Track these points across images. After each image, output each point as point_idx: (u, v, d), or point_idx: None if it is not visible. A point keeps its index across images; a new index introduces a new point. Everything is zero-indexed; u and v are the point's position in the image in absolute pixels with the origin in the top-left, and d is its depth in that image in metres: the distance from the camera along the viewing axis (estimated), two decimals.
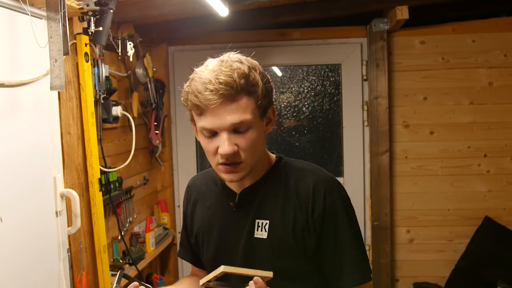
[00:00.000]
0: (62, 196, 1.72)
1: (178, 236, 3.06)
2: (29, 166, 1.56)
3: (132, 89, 2.47)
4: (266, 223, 1.14)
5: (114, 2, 1.76)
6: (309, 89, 3.00)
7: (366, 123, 2.91)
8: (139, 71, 2.49)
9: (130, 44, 2.23)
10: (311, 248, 1.12)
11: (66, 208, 1.76)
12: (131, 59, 2.29)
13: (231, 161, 1.07)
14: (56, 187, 1.69)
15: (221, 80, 1.01)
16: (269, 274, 1.02)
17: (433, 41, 2.83)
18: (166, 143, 2.94)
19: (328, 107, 3.01)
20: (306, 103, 3.01)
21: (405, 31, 2.81)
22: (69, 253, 1.76)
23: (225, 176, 1.11)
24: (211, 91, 1.01)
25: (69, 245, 1.78)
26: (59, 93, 1.73)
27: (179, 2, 2.10)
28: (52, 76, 1.44)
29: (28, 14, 1.43)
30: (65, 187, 1.75)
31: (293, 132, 3.05)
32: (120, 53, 2.21)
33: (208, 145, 1.08)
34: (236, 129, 1.05)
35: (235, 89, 1.02)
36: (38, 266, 1.59)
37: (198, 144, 3.03)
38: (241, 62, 1.07)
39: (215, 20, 2.40)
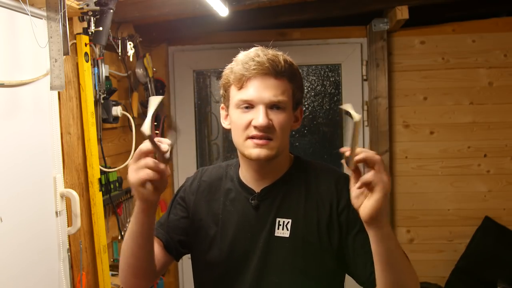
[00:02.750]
0: (62, 196, 1.72)
1: None
2: (29, 166, 1.56)
3: (132, 89, 2.47)
4: (288, 222, 1.15)
5: (114, 2, 1.76)
6: (309, 89, 3.00)
7: (366, 123, 2.91)
8: (139, 71, 2.49)
9: (130, 44, 2.23)
10: (335, 244, 1.13)
11: (66, 208, 1.76)
12: (131, 59, 2.29)
13: (263, 134, 1.10)
14: (56, 187, 1.69)
15: (268, 56, 1.11)
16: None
17: (433, 41, 2.83)
18: None
19: (328, 107, 3.01)
20: (306, 103, 3.01)
21: (405, 31, 2.81)
22: (69, 253, 1.76)
23: (253, 152, 1.11)
24: (258, 62, 1.10)
25: (69, 245, 1.78)
26: (59, 93, 1.73)
27: (179, 2, 2.10)
28: (52, 76, 1.44)
29: (28, 14, 1.43)
30: (65, 187, 1.75)
31: (293, 132, 3.05)
32: (120, 53, 2.21)
33: (241, 118, 1.12)
34: (273, 106, 1.10)
35: (279, 68, 1.10)
36: (38, 266, 1.59)
37: (198, 144, 3.04)
38: (284, 56, 1.15)
39: (215, 20, 2.39)
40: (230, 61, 1.22)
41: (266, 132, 1.10)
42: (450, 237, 2.89)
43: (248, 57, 1.12)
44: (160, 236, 1.26)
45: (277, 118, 1.11)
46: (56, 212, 1.70)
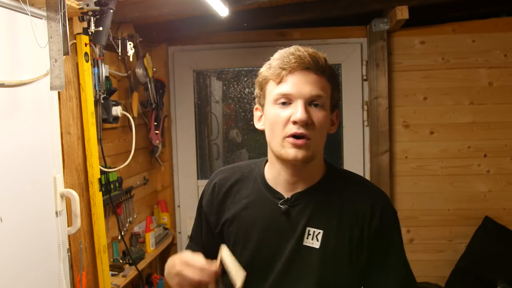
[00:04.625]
0: (62, 196, 1.72)
1: (178, 236, 3.06)
2: (29, 166, 1.56)
3: (132, 89, 2.47)
4: (319, 232, 1.12)
5: (114, 2, 1.76)
6: None
7: (366, 123, 2.91)
8: (139, 71, 2.49)
9: (130, 44, 2.23)
10: (362, 263, 1.13)
11: (66, 208, 1.76)
12: (131, 59, 2.29)
13: (303, 131, 1.06)
14: (56, 187, 1.69)
15: (309, 52, 1.09)
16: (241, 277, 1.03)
17: (433, 41, 2.83)
18: (166, 143, 2.94)
19: None
20: None
21: (405, 31, 2.81)
22: (69, 253, 1.76)
23: (291, 152, 1.08)
24: (299, 56, 1.08)
25: (69, 245, 1.78)
26: (59, 93, 1.73)
27: (179, 2, 2.10)
28: (52, 76, 1.44)
29: (28, 14, 1.43)
30: (65, 187, 1.75)
31: None
32: (120, 53, 2.21)
33: (280, 114, 1.09)
34: (312, 102, 1.08)
35: (320, 65, 1.09)
36: (38, 266, 1.59)
37: (198, 144, 3.04)
38: (321, 53, 1.14)
39: (215, 20, 2.39)
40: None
41: (305, 129, 1.06)
42: (450, 237, 2.89)
43: (288, 52, 1.10)
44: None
45: (317, 115, 1.08)
46: (56, 212, 1.70)
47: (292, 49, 1.10)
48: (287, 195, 1.15)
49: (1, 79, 1.40)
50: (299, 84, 1.07)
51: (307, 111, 1.06)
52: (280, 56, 1.10)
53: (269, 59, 1.15)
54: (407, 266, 1.17)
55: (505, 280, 2.58)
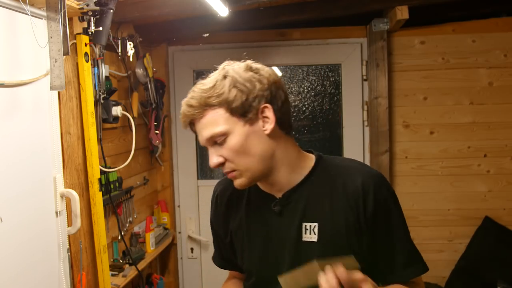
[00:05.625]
0: (62, 196, 1.72)
1: (178, 236, 3.06)
2: (29, 166, 1.56)
3: (132, 89, 2.47)
4: (315, 225, 1.12)
5: (114, 2, 1.76)
6: (309, 89, 3.00)
7: (366, 123, 2.91)
8: (139, 71, 2.49)
9: (130, 44, 2.23)
10: (364, 246, 1.11)
11: (66, 208, 1.76)
12: (131, 59, 2.29)
13: (226, 171, 1.11)
14: (56, 187, 1.69)
15: (188, 103, 1.09)
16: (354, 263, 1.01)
17: (433, 41, 2.83)
18: (166, 143, 2.94)
19: (328, 107, 3.01)
20: (306, 103, 3.01)
21: (405, 31, 2.81)
22: (69, 253, 1.76)
23: (235, 184, 1.13)
24: (182, 114, 1.10)
25: (69, 245, 1.78)
26: (59, 93, 1.73)
27: (179, 2, 2.10)
28: (52, 76, 1.44)
29: (28, 14, 1.43)
30: (65, 187, 1.75)
31: (293, 132, 3.04)
32: (120, 53, 2.20)
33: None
34: (215, 142, 1.09)
35: (198, 107, 1.07)
36: (38, 266, 1.59)
37: (198, 144, 3.03)
38: (221, 71, 1.10)
39: (215, 20, 2.39)
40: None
41: (226, 166, 1.09)
42: (450, 237, 2.89)
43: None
44: (229, 269, 1.37)
45: (225, 150, 1.08)
46: (56, 212, 1.70)
47: (183, 103, 1.11)
48: (278, 195, 1.16)
49: (1, 79, 1.40)
50: (199, 134, 1.11)
51: (217, 153, 1.09)
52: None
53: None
54: (410, 242, 1.17)
55: (505, 280, 2.58)
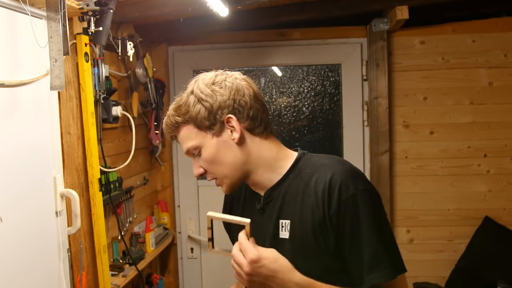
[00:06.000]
0: (62, 196, 1.72)
1: (178, 236, 3.06)
2: (29, 166, 1.56)
3: (132, 89, 2.47)
4: (288, 222, 1.14)
5: (114, 2, 1.76)
6: (309, 89, 3.00)
7: (366, 123, 2.91)
8: (139, 71, 2.49)
9: (130, 44, 2.23)
10: (332, 246, 1.09)
11: (66, 208, 1.76)
12: (131, 59, 2.29)
13: (209, 179, 1.21)
14: (56, 187, 1.69)
15: (165, 122, 1.21)
16: (247, 220, 1.08)
17: (433, 41, 2.83)
18: (166, 143, 2.94)
19: (328, 107, 3.01)
20: (306, 103, 3.01)
21: (405, 31, 2.81)
22: (69, 253, 1.76)
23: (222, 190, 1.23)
24: (164, 131, 1.23)
25: (69, 245, 1.78)
26: (59, 93, 1.73)
27: (179, 2, 2.10)
28: (52, 76, 1.44)
29: (28, 14, 1.43)
30: (65, 187, 1.75)
31: (293, 132, 3.05)
32: (120, 53, 2.21)
33: None
34: (193, 154, 1.18)
35: (172, 126, 1.18)
36: (38, 266, 1.59)
37: None
38: (189, 87, 1.19)
39: (215, 20, 2.39)
40: (230, 61, 1.23)
41: (208, 175, 1.20)
42: (450, 237, 2.89)
43: None
44: None
45: (202, 161, 1.18)
46: (56, 212, 1.70)
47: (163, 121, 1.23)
48: (262, 194, 1.21)
49: (1, 79, 1.40)
50: (181, 146, 1.21)
51: (197, 164, 1.20)
52: None
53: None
54: (382, 245, 1.08)
55: (505, 280, 2.58)
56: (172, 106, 1.19)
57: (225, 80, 1.16)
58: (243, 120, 1.15)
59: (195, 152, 1.17)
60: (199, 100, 1.14)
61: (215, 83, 1.16)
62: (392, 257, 1.09)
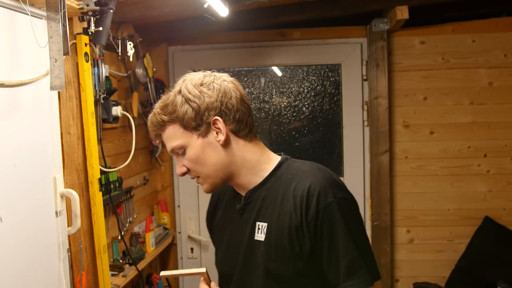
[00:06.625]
0: (62, 196, 1.72)
1: (178, 236, 3.07)
2: (29, 166, 1.56)
3: (132, 89, 2.47)
4: (265, 225, 1.16)
5: (114, 2, 1.76)
6: (309, 89, 3.00)
7: (366, 123, 2.91)
8: (139, 71, 2.49)
9: (130, 44, 2.23)
10: (307, 252, 1.11)
11: (66, 208, 1.76)
12: (131, 59, 2.29)
13: (191, 177, 1.21)
14: (56, 187, 1.69)
15: (150, 120, 1.20)
16: (202, 269, 1.13)
17: (433, 41, 2.83)
18: None
19: (328, 107, 3.01)
20: (306, 103, 3.01)
21: (405, 31, 2.81)
22: (69, 253, 1.76)
23: (202, 188, 1.24)
24: (148, 129, 1.23)
25: (69, 245, 1.78)
26: (59, 93, 1.73)
27: (179, 2, 2.10)
28: (52, 76, 1.44)
29: (28, 14, 1.43)
30: (65, 187, 1.75)
31: (293, 132, 3.05)
32: (120, 53, 2.20)
33: None
34: (177, 153, 1.18)
35: (157, 124, 1.18)
36: (38, 266, 1.59)
37: None
38: (177, 87, 1.18)
39: (215, 20, 2.39)
40: (230, 61, 1.24)
41: (191, 174, 1.20)
42: (450, 237, 2.89)
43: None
44: None
45: (186, 160, 1.18)
46: (56, 212, 1.70)
47: (148, 119, 1.23)
48: (243, 195, 1.23)
49: (1, 79, 1.40)
50: (166, 146, 1.21)
51: (180, 163, 1.19)
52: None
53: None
54: (359, 252, 1.09)
55: (505, 280, 2.58)
56: (158, 104, 1.19)
57: (213, 82, 1.16)
58: (229, 122, 1.16)
59: (179, 152, 1.17)
60: (187, 100, 1.15)
61: (203, 84, 1.16)
62: (369, 265, 1.11)
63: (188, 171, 1.19)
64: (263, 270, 1.15)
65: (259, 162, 1.20)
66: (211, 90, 1.15)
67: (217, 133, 1.16)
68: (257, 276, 1.16)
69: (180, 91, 1.16)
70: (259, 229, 1.17)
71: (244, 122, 1.18)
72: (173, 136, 1.17)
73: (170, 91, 1.20)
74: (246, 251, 1.18)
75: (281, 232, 1.13)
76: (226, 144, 1.16)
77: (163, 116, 1.16)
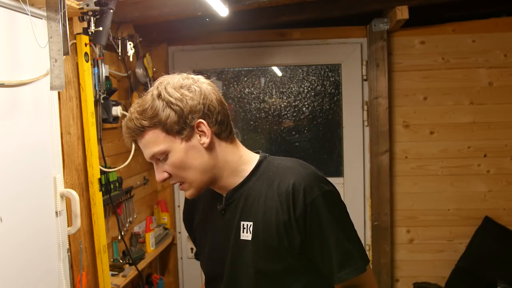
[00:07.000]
0: (62, 196, 1.72)
1: (178, 236, 3.07)
2: (29, 166, 1.56)
3: (132, 89, 2.48)
4: (250, 224, 1.15)
5: (114, 2, 1.76)
6: (309, 89, 3.00)
7: (366, 123, 2.91)
8: (139, 71, 2.49)
9: (130, 44, 2.23)
10: (297, 247, 1.12)
11: (66, 208, 1.76)
12: (131, 59, 2.29)
13: (173, 182, 1.16)
14: (56, 187, 1.69)
15: (126, 125, 1.13)
16: None
17: (433, 41, 2.83)
18: None
19: (328, 107, 3.01)
20: (306, 103, 3.01)
21: (405, 31, 2.81)
22: (69, 253, 1.76)
23: (185, 194, 1.20)
24: (124, 134, 1.15)
25: (69, 245, 1.78)
26: (59, 93, 1.73)
27: (179, 2, 2.10)
28: (52, 76, 1.44)
29: (28, 14, 1.43)
30: (65, 187, 1.75)
31: (293, 132, 3.05)
32: (120, 53, 2.21)
33: None
34: (158, 159, 1.13)
35: (136, 130, 1.11)
36: (38, 266, 1.59)
37: None
38: (155, 90, 1.12)
39: (215, 20, 2.39)
40: (230, 61, 1.22)
41: (173, 179, 1.15)
42: (450, 237, 2.89)
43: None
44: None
45: (167, 166, 1.13)
46: (56, 212, 1.70)
47: (123, 124, 1.15)
48: (224, 195, 1.22)
49: (1, 79, 1.41)
50: (143, 152, 1.15)
51: (161, 169, 1.14)
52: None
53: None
54: (349, 242, 1.12)
55: (505, 280, 2.58)
56: (135, 109, 1.12)
57: (193, 84, 1.14)
58: (212, 124, 1.14)
59: (161, 157, 1.12)
60: (168, 104, 1.10)
61: (183, 87, 1.12)
62: (359, 251, 1.14)
63: (169, 176, 1.15)
64: (252, 269, 1.14)
65: (239, 162, 1.20)
66: (192, 92, 1.12)
67: (200, 136, 1.13)
68: (247, 275, 1.16)
69: (159, 95, 1.11)
70: (244, 228, 1.16)
71: (225, 124, 1.16)
72: (154, 142, 1.11)
73: (143, 94, 1.15)
74: (233, 251, 1.17)
75: (268, 230, 1.13)
76: (209, 147, 1.14)
77: (143, 121, 1.10)
